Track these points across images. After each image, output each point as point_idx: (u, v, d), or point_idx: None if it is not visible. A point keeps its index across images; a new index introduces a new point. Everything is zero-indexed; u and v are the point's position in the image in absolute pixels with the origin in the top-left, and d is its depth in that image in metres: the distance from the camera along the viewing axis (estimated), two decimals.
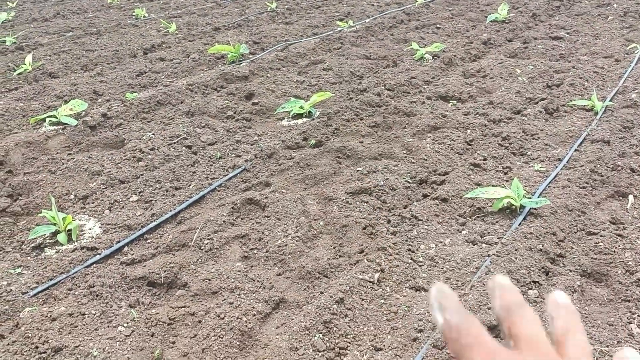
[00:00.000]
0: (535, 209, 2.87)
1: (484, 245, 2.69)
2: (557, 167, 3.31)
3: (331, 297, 2.31)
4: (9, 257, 2.69)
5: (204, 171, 3.45)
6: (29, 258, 2.71)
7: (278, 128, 4.04)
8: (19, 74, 5.25)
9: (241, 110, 4.33)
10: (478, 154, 3.53)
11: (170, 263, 2.59)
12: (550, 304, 0.50)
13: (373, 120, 4.02)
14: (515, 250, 2.54)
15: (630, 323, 2.21)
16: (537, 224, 2.75)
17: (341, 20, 6.97)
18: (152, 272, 2.53)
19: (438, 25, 6.55)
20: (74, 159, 3.59)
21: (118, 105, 4.37)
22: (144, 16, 7.74)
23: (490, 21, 6.52)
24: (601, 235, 2.72)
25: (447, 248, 2.72)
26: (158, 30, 6.97)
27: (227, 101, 4.49)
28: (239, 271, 2.54)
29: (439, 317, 0.45)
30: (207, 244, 2.73)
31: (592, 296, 2.37)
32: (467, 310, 0.45)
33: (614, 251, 2.60)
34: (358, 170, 3.35)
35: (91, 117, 4.12)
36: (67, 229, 2.78)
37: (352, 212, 2.93)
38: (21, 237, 2.86)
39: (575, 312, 0.50)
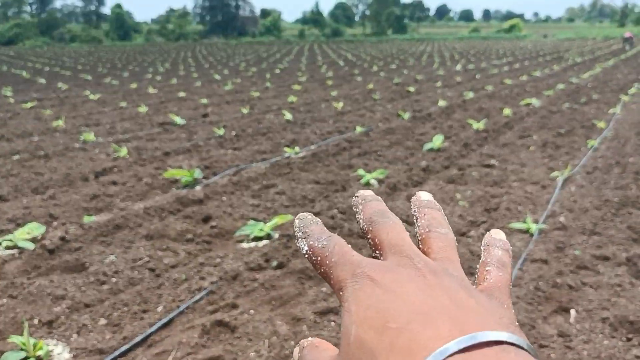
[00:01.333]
0: None
1: None
2: None
3: None
4: None
5: (169, 294, 3.50)
6: None
7: (239, 250, 4.18)
8: None
9: (200, 234, 4.46)
10: None
11: None
12: (413, 204, 0.49)
13: None
14: None
15: None
16: None
17: (287, 146, 7.37)
18: None
19: (379, 153, 7.04)
20: (35, 283, 3.57)
21: (76, 229, 4.41)
22: (92, 140, 7.89)
23: (427, 149, 7.08)
24: (552, 347, 2.94)
25: None
26: (107, 154, 7.12)
27: (185, 224, 4.61)
28: None
29: (304, 244, 0.44)
30: None
31: None
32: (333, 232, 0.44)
33: None
34: (322, 291, 3.50)
35: (49, 240, 4.13)
36: (37, 355, 2.74)
37: (322, 331, 3.05)
38: None
39: (438, 208, 0.48)
